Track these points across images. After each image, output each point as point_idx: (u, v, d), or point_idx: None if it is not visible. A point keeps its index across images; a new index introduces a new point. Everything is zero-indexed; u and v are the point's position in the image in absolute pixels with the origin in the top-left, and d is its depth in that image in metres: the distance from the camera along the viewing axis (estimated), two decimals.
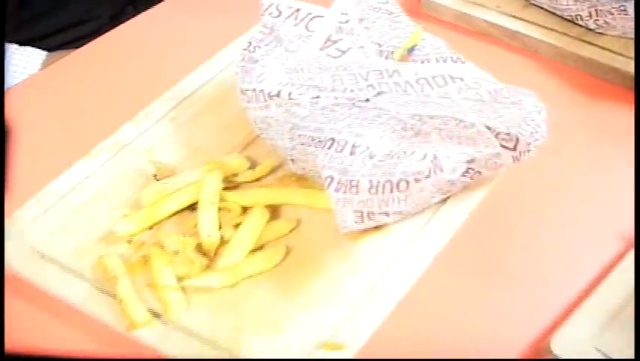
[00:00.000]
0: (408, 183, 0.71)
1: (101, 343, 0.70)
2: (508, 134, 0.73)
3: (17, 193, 0.78)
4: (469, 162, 0.72)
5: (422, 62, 0.82)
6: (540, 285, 0.74)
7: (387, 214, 0.72)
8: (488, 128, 0.73)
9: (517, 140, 0.74)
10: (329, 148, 0.74)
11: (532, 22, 0.96)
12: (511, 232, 0.78)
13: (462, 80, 0.78)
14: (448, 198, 0.78)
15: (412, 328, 0.70)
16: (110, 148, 0.83)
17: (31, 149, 0.85)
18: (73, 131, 0.88)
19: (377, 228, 0.75)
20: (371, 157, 0.73)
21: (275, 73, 0.78)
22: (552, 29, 0.95)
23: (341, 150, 0.73)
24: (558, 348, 0.65)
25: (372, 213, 0.72)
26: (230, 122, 0.83)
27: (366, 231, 0.75)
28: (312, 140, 0.75)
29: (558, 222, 0.79)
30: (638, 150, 0.93)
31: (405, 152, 0.73)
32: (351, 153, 0.73)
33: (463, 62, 0.82)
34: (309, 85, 0.76)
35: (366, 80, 0.77)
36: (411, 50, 0.82)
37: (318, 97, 0.76)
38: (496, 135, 0.73)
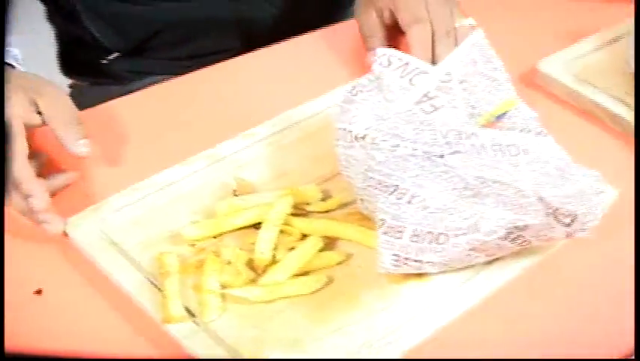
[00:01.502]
0: (447, 237, 0.73)
1: (136, 331, 0.75)
2: (565, 209, 0.74)
3: (111, 185, 0.87)
4: (511, 227, 0.73)
5: (507, 130, 0.82)
6: None
7: (420, 262, 0.74)
8: (541, 199, 0.73)
9: (575, 217, 0.75)
10: (390, 194, 0.77)
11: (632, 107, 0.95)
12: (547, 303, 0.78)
13: (534, 152, 0.79)
14: (495, 260, 0.78)
15: None
16: (205, 159, 0.89)
17: (136, 149, 0.93)
18: (178, 141, 0.95)
19: (419, 275, 0.77)
20: (424, 208, 0.75)
21: (366, 117, 0.81)
22: None
23: (400, 198, 0.76)
24: None
25: (409, 258, 0.74)
26: (321, 155, 0.87)
27: (407, 276, 0.77)
28: (379, 183, 0.78)
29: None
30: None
31: (456, 208, 0.75)
32: (408, 202, 0.76)
33: (545, 136, 0.82)
34: (393, 133, 0.79)
35: (445, 137, 0.79)
36: (501, 116, 0.83)
37: (397, 145, 0.78)
38: (555, 211, 0.74)
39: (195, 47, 1.22)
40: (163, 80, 1.08)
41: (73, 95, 1.22)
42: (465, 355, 0.73)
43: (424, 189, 0.76)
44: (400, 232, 0.75)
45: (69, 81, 1.33)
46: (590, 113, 0.98)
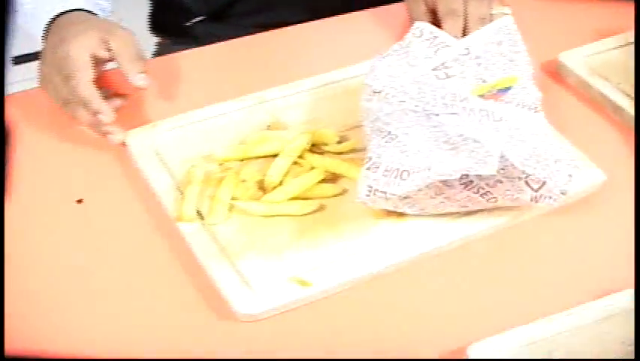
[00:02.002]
0: (409, 173, 0.85)
1: (157, 225, 0.91)
2: (533, 175, 0.83)
3: (171, 110, 1.03)
4: (462, 174, 0.83)
5: (505, 103, 0.92)
6: None
7: (385, 193, 0.85)
8: (504, 156, 0.83)
9: (543, 183, 0.84)
10: (382, 138, 0.89)
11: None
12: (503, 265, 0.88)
13: (517, 122, 0.88)
14: (472, 213, 0.89)
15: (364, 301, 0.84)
16: (254, 99, 1.04)
17: (198, 85, 1.11)
18: (236, 84, 1.10)
19: (398, 215, 0.88)
20: (402, 151, 0.87)
21: (387, 76, 0.94)
22: None
23: (389, 141, 0.88)
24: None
25: (377, 190, 0.86)
26: (352, 108, 0.98)
27: (388, 214, 0.88)
28: (379, 129, 0.90)
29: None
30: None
31: (428, 154, 0.86)
32: (393, 146, 0.88)
33: (537, 112, 0.91)
34: (404, 91, 0.91)
35: (443, 98, 0.90)
36: (503, 90, 0.93)
37: (404, 101, 0.90)
38: (523, 173, 0.84)
39: (269, 15, 1.35)
40: None
41: (158, 52, 1.40)
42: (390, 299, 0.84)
43: (409, 136, 0.88)
44: (377, 167, 0.86)
45: (156, 39, 1.49)
46: (596, 103, 1.05)
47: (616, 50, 1.11)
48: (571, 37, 1.16)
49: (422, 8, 1.15)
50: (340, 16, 1.23)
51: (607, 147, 1.00)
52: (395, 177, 0.85)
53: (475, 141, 0.85)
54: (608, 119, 1.04)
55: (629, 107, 1.02)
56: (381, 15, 1.22)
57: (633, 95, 1.03)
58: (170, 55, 1.19)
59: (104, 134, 0.99)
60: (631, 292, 0.77)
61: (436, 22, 1.12)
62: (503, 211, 0.89)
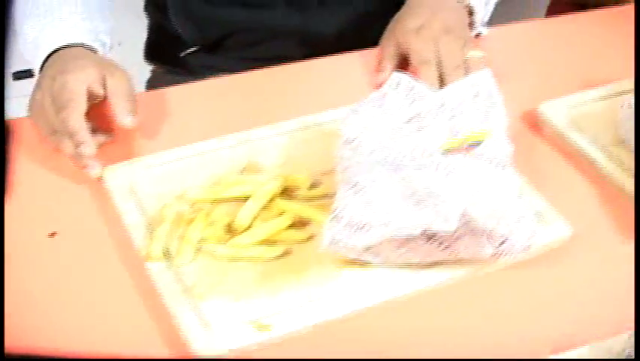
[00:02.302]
0: (370, 227, 0.86)
1: (124, 262, 0.93)
2: (494, 231, 0.84)
3: (152, 147, 1.04)
4: (421, 230, 0.84)
5: (474, 157, 0.93)
6: None
7: (346, 245, 0.87)
8: (465, 214, 0.84)
9: (505, 240, 0.85)
10: (350, 188, 0.90)
11: (614, 159, 1.02)
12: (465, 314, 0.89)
13: (484, 179, 0.89)
14: (435, 264, 0.90)
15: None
16: (235, 140, 1.06)
17: (182, 122, 1.12)
18: (219, 122, 1.12)
19: (362, 264, 0.89)
20: (367, 203, 0.88)
21: (361, 125, 0.95)
22: (628, 170, 1.00)
23: (356, 192, 0.89)
24: None
25: (340, 241, 0.87)
26: (328, 152, 0.99)
27: (352, 263, 0.89)
28: (347, 179, 0.91)
29: None
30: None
31: (391, 208, 0.87)
32: (358, 198, 0.89)
33: (503, 168, 0.92)
34: (375, 142, 0.92)
35: (412, 151, 0.91)
36: (474, 144, 0.94)
37: (374, 151, 0.91)
38: (483, 229, 0.84)
39: (263, 50, 1.37)
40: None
41: (151, 80, 1.42)
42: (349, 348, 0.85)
43: (375, 188, 0.89)
44: (341, 218, 0.88)
45: (150, 67, 1.52)
46: (572, 155, 1.05)
47: (598, 102, 1.11)
48: (555, 86, 1.17)
49: (392, 50, 1.17)
50: (330, 57, 1.25)
51: (577, 201, 1.00)
52: (356, 230, 0.86)
53: (438, 196, 0.85)
54: (583, 173, 1.04)
55: (604, 160, 1.02)
56: (370, 58, 1.23)
57: (609, 148, 1.04)
58: (157, 90, 1.20)
59: (84, 167, 1.00)
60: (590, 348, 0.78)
61: (404, 67, 1.14)
62: (467, 263, 0.90)
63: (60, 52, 1.11)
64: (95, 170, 1.00)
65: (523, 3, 1.92)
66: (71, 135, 1.00)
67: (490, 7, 1.30)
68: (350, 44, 1.28)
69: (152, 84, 1.48)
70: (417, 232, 0.84)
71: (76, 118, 1.00)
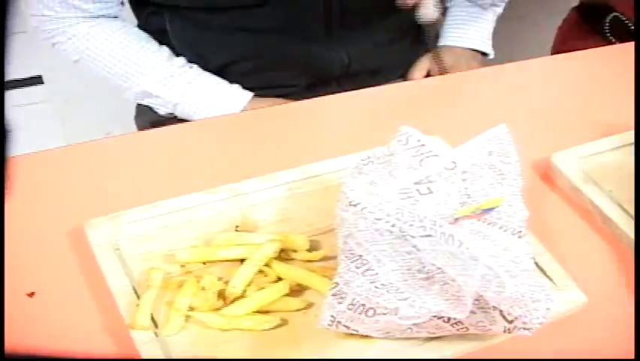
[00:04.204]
0: (374, 312, 0.80)
1: (106, 329, 0.86)
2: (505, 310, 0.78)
3: (138, 199, 0.97)
4: (433, 316, 0.78)
5: (488, 224, 0.86)
6: None
7: (348, 328, 0.81)
8: (479, 298, 0.77)
9: (516, 317, 0.78)
10: (352, 262, 0.83)
11: (631, 217, 0.96)
12: None
13: (498, 250, 0.82)
14: (443, 337, 0.83)
15: None
16: (226, 192, 0.99)
17: (170, 171, 1.05)
18: (211, 170, 1.05)
19: (364, 336, 0.83)
20: (372, 282, 0.82)
21: (365, 187, 0.88)
22: None
23: (359, 267, 0.83)
24: None
25: (340, 323, 0.81)
26: (328, 209, 0.93)
27: (353, 335, 0.82)
28: (350, 250, 0.84)
29: None
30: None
31: (398, 289, 0.80)
32: (362, 274, 0.82)
33: (520, 238, 0.85)
34: (380, 208, 0.85)
35: (421, 221, 0.83)
36: (488, 210, 0.87)
37: (380, 219, 0.84)
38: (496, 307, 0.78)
39: (266, 78, 1.33)
40: None
41: (148, 109, 1.38)
42: None
43: (381, 264, 0.82)
44: (343, 298, 0.81)
45: None
46: (586, 210, 1.00)
47: (613, 152, 1.06)
48: (567, 134, 1.12)
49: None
50: (332, 96, 1.19)
51: (591, 264, 0.95)
52: (360, 313, 0.80)
53: (449, 276, 0.79)
54: (597, 230, 0.99)
55: (619, 218, 0.97)
56: (376, 97, 1.17)
57: (624, 205, 0.98)
58: (144, 132, 1.14)
59: None
60: None
61: None
62: (474, 335, 0.83)
63: None
64: None
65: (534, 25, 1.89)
66: None
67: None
68: (355, 75, 1.23)
69: (143, 114, 1.44)
70: (425, 318, 0.78)
71: None
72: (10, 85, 2.14)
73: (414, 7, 1.24)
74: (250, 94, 1.32)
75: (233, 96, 1.31)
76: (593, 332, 0.88)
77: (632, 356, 0.83)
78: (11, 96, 2.17)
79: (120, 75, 1.32)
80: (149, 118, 1.43)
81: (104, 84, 1.36)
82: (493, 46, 1.58)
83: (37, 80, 2.12)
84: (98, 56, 1.32)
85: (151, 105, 1.35)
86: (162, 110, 1.34)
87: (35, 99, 2.14)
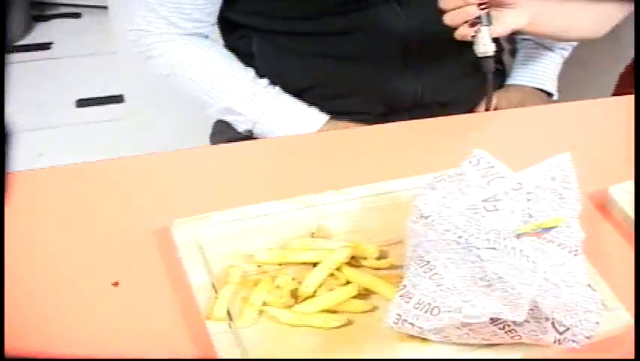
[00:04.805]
0: (439, 310, 0.85)
1: (185, 322, 0.93)
2: (557, 319, 0.84)
3: (223, 204, 1.05)
4: (493, 317, 0.84)
5: (547, 242, 0.92)
6: None
7: (413, 325, 0.86)
8: (535, 305, 0.83)
9: (568, 327, 0.84)
10: (421, 267, 0.90)
11: None
12: None
13: (556, 266, 0.88)
14: (494, 346, 0.88)
15: None
16: (302, 203, 1.05)
17: (254, 181, 1.13)
18: (289, 183, 1.13)
19: (422, 340, 0.89)
20: (438, 285, 0.88)
21: (438, 201, 0.95)
22: None
23: (427, 272, 0.89)
24: None
25: (406, 320, 0.87)
26: (397, 222, 0.99)
27: (412, 338, 0.89)
28: (419, 257, 0.91)
29: None
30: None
31: (462, 292, 0.86)
32: (430, 277, 0.89)
33: (576, 255, 0.91)
34: (450, 220, 0.92)
35: (487, 234, 0.90)
36: (548, 229, 0.93)
37: (448, 230, 0.91)
38: (549, 317, 0.84)
39: (343, 103, 1.40)
40: None
41: (225, 128, 1.46)
42: None
43: (447, 270, 0.88)
44: (410, 298, 0.88)
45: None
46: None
47: None
48: (623, 169, 1.16)
49: None
50: (407, 122, 1.25)
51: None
52: (426, 312, 0.86)
53: (508, 282, 0.85)
54: None
55: None
56: (446, 125, 1.24)
57: None
58: (225, 145, 1.22)
59: None
60: None
61: None
62: (525, 346, 0.89)
63: None
64: None
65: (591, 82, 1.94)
66: None
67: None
68: (426, 107, 1.30)
69: (222, 128, 1.52)
70: (485, 319, 0.84)
71: None
72: (91, 102, 2.26)
73: (472, 42, 1.30)
74: (326, 117, 1.39)
75: (311, 118, 1.38)
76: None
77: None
78: (92, 112, 2.29)
79: (207, 91, 1.40)
80: (224, 137, 1.50)
81: (181, 106, 1.44)
82: (559, 89, 1.64)
83: (118, 99, 2.22)
84: (188, 72, 1.41)
85: (232, 122, 1.43)
86: (242, 127, 1.42)
87: (114, 117, 2.24)
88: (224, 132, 1.51)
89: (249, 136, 1.43)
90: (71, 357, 0.80)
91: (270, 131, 1.39)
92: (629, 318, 0.92)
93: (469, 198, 0.95)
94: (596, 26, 1.46)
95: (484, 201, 0.95)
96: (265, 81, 1.41)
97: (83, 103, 2.26)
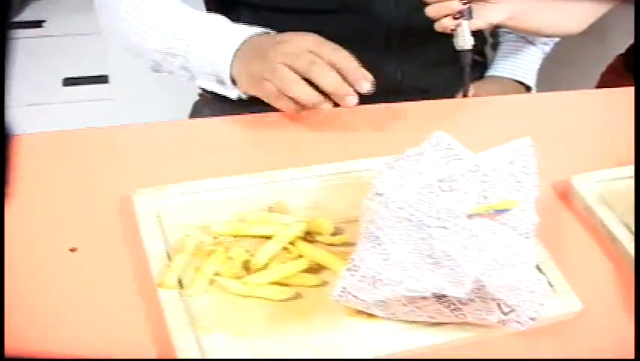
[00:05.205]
0: (382, 283, 0.86)
1: (139, 289, 0.94)
2: (502, 299, 0.84)
3: (184, 176, 1.06)
4: (434, 292, 0.84)
5: (499, 224, 0.93)
6: None
7: (356, 297, 0.87)
8: (479, 281, 0.84)
9: (513, 309, 0.85)
10: (370, 242, 0.90)
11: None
12: None
13: (503, 246, 0.89)
14: (440, 325, 0.89)
15: None
16: (265, 177, 1.07)
17: (220, 154, 1.14)
18: (253, 159, 1.14)
19: (368, 315, 0.89)
20: (384, 259, 0.88)
21: (393, 180, 0.95)
22: None
23: (375, 247, 0.90)
24: None
25: (350, 293, 0.88)
26: (356, 201, 0.99)
27: (359, 313, 0.89)
28: (369, 232, 0.91)
29: None
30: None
31: (407, 267, 0.87)
32: (377, 253, 0.89)
33: (527, 238, 0.92)
34: (404, 198, 0.92)
35: (438, 212, 0.91)
36: (501, 211, 0.93)
37: (401, 208, 0.92)
38: (494, 297, 0.84)
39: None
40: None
41: (197, 105, 1.44)
42: None
43: (395, 245, 0.89)
44: (356, 271, 0.88)
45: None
46: (597, 231, 1.05)
47: (626, 180, 1.11)
48: (592, 159, 1.17)
49: None
50: (377, 105, 1.26)
51: (593, 278, 1.00)
52: (368, 285, 0.87)
53: (455, 260, 0.86)
54: (604, 248, 1.04)
55: (625, 238, 1.02)
56: (417, 111, 1.25)
57: (633, 226, 1.03)
58: (197, 120, 1.23)
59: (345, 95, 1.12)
60: None
61: None
62: (472, 326, 0.89)
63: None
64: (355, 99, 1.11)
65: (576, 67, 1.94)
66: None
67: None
68: (404, 93, 1.31)
69: (199, 108, 1.52)
70: (428, 293, 0.84)
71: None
72: (77, 81, 2.26)
73: (452, 34, 1.31)
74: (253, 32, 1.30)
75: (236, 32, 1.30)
76: (586, 341, 0.93)
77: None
78: (78, 92, 2.29)
79: (142, 31, 1.34)
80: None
81: (167, 87, 1.42)
82: (539, 87, 1.64)
83: (103, 79, 2.22)
84: (125, 12, 1.35)
85: (166, 66, 1.34)
86: (177, 64, 1.32)
87: (99, 97, 2.23)
88: (200, 112, 1.52)
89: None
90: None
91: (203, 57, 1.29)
92: (579, 305, 0.93)
93: (425, 177, 0.96)
94: (575, 22, 1.47)
95: (440, 181, 0.95)
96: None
97: (69, 82, 2.26)
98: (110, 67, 2.10)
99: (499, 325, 0.87)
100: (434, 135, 1.00)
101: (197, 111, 1.59)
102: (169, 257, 0.95)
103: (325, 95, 1.13)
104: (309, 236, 0.99)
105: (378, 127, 1.23)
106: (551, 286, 0.94)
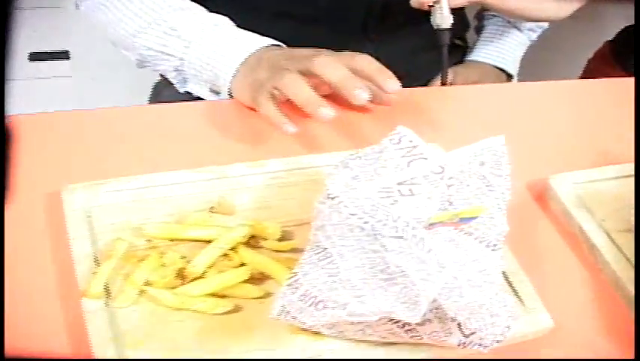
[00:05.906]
0: (325, 306, 0.77)
1: (62, 297, 0.84)
2: (463, 322, 0.75)
3: (121, 170, 0.96)
4: (383, 317, 0.75)
5: (464, 234, 0.83)
6: None
7: (295, 319, 0.78)
8: (435, 304, 0.74)
9: (474, 332, 0.75)
10: (316, 253, 0.81)
11: (618, 248, 0.92)
12: None
13: (465, 261, 0.80)
14: (394, 344, 0.80)
15: None
16: (211, 173, 0.97)
17: (165, 147, 1.04)
18: (200, 151, 1.04)
19: (315, 333, 0.80)
20: (330, 276, 0.79)
21: (347, 182, 0.85)
22: (629, 260, 0.91)
23: (322, 260, 0.80)
24: None
25: (289, 313, 0.79)
26: (309, 202, 0.89)
27: (304, 331, 0.80)
28: (316, 242, 0.82)
29: None
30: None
31: (355, 286, 0.77)
32: (323, 267, 0.80)
33: (494, 250, 0.82)
34: (357, 204, 0.82)
35: (394, 221, 0.81)
36: (467, 219, 0.84)
37: (354, 214, 0.82)
38: (454, 319, 0.75)
39: None
40: None
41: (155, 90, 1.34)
42: None
43: (344, 259, 0.79)
44: (297, 288, 0.79)
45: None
46: (574, 237, 0.96)
47: (609, 182, 1.02)
48: (570, 159, 1.08)
49: None
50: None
51: (567, 290, 0.91)
52: (310, 306, 0.78)
53: (410, 279, 0.76)
54: (580, 257, 0.95)
55: (605, 246, 0.93)
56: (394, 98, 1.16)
57: (612, 235, 0.94)
58: (147, 106, 1.13)
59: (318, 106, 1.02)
60: None
61: None
62: (427, 347, 0.80)
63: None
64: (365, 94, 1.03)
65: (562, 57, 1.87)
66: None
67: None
68: None
69: (159, 90, 1.42)
70: (374, 318, 0.75)
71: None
72: (36, 57, 2.17)
73: (429, 12, 1.22)
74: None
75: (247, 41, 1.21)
76: (557, 356, 0.84)
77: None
78: (37, 68, 2.20)
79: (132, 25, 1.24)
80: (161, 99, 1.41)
81: (128, 67, 1.32)
82: (523, 73, 1.55)
83: (63, 55, 2.13)
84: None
85: (156, 63, 1.25)
86: (168, 65, 1.23)
87: (59, 73, 2.15)
88: (160, 95, 1.42)
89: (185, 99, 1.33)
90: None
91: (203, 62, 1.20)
92: (549, 321, 0.84)
93: (384, 179, 0.86)
94: (560, 6, 1.38)
95: (400, 184, 0.85)
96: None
97: (34, 57, 2.17)
98: (72, 42, 2.02)
99: (460, 348, 0.77)
100: (396, 131, 0.90)
101: (157, 94, 1.49)
102: (97, 262, 0.85)
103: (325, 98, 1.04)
104: (253, 241, 0.89)
105: (341, 118, 1.13)
106: (521, 301, 0.85)
